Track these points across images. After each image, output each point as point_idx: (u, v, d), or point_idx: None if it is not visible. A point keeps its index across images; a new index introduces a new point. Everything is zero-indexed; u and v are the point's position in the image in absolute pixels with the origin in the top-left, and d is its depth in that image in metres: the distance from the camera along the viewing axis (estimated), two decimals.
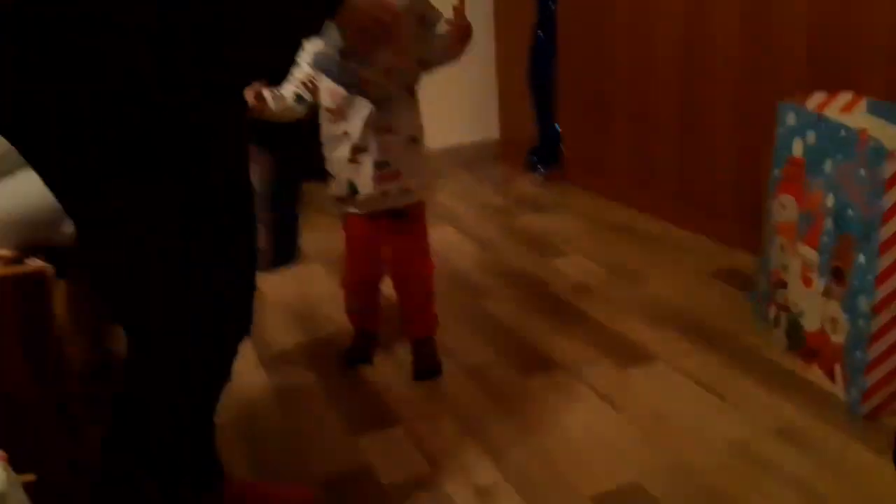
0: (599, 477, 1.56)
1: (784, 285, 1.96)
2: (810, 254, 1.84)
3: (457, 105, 3.80)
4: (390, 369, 2.02)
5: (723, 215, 2.61)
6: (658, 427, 1.71)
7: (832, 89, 1.89)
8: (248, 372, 2.02)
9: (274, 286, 2.48)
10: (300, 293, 2.50)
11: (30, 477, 1.36)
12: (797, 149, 1.89)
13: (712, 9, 2.52)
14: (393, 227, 1.87)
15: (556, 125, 3.41)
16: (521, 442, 1.69)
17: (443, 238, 2.92)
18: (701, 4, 2.57)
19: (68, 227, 1.64)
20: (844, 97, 1.86)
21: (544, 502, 1.50)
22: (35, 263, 1.36)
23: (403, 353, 2.06)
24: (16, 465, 0.98)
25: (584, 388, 1.88)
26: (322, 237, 2.72)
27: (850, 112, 1.82)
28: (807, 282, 1.86)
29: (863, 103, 1.83)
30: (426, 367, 1.97)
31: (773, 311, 2.02)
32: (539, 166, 3.48)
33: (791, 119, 1.91)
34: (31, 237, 1.63)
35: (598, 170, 3.21)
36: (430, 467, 1.63)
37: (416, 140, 1.80)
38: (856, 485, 1.49)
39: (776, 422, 1.69)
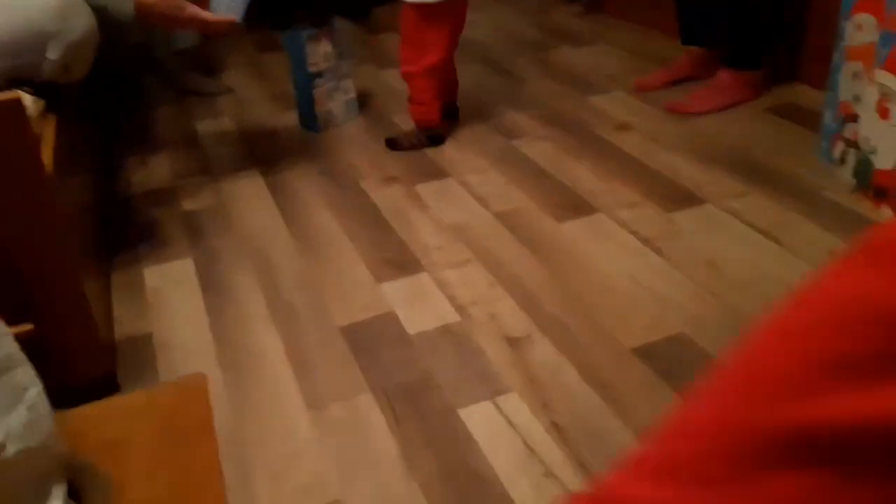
0: (642, 328, 1.43)
1: (855, 118, 1.75)
2: (890, 81, 1.61)
3: None
4: (417, 214, 1.88)
5: (780, 44, 2.35)
6: (707, 274, 1.56)
7: None
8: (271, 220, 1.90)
9: None
10: None
11: (26, 327, 1.28)
12: None
13: None
14: None
15: None
16: (557, 291, 1.56)
17: (471, 74, 2.70)
18: None
19: (54, 54, 1.48)
20: None
21: (582, 355, 1.39)
22: (11, 93, 1.20)
23: (431, 201, 1.92)
24: (9, 314, 0.88)
25: (626, 233, 1.72)
26: None
27: None
28: (883, 113, 1.64)
29: None
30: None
31: (839, 148, 1.82)
32: None
33: None
34: (14, 65, 1.47)
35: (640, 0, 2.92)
36: (460, 317, 1.51)
37: None
38: None
39: None
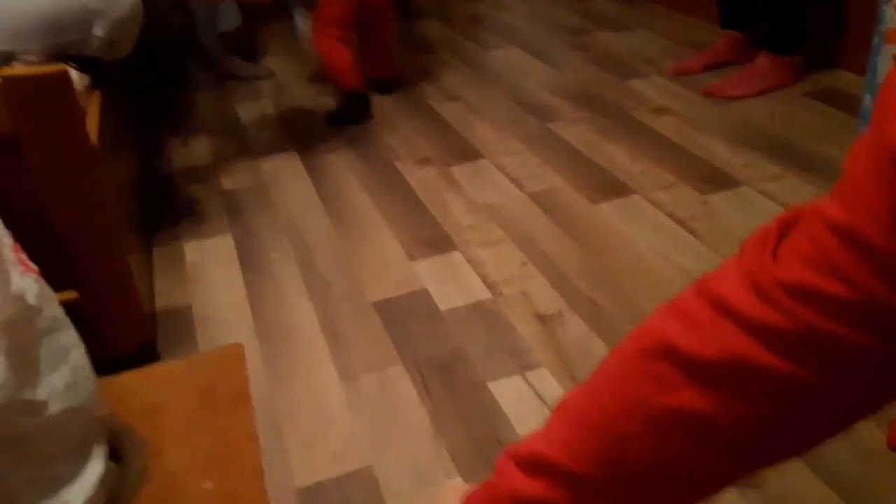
0: None
1: None
2: None
3: None
4: (451, 194, 1.90)
5: (820, 30, 2.32)
6: None
7: None
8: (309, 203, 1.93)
9: None
10: None
11: (71, 294, 1.32)
12: None
13: None
14: None
15: None
16: (589, 268, 1.57)
17: (509, 59, 2.71)
18: None
19: (99, 30, 1.52)
20: None
21: (613, 331, 1.39)
22: (58, 66, 1.25)
23: (465, 182, 1.94)
24: (54, 282, 0.91)
25: (660, 214, 1.72)
26: None
27: None
28: None
29: None
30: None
31: None
32: None
33: None
34: (60, 42, 1.51)
35: None
36: (491, 294, 1.53)
37: None
38: None
39: None
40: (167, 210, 1.96)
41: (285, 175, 2.08)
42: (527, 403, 1.26)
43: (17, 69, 1.33)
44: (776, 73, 2.20)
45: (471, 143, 2.14)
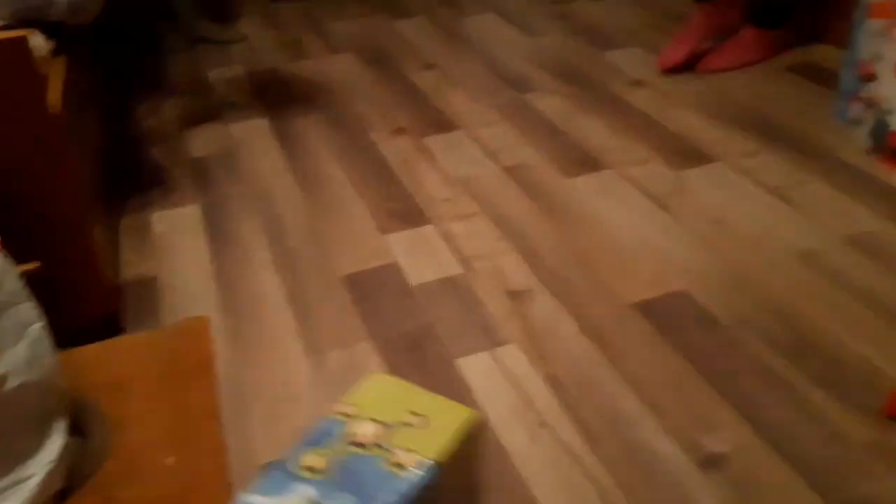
0: (644, 283, 1.43)
1: (874, 78, 1.71)
2: None
3: None
4: (425, 166, 1.87)
5: (805, 3, 2.30)
6: (715, 232, 1.55)
7: None
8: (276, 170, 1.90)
9: None
10: None
11: (32, 265, 1.29)
12: None
13: None
14: None
15: None
16: (561, 245, 1.56)
17: (486, 26, 2.67)
18: None
19: None
20: None
21: (583, 308, 1.39)
22: (17, 32, 1.20)
23: (440, 153, 1.91)
24: (16, 252, 0.89)
25: (634, 188, 1.71)
26: None
27: None
28: None
29: None
30: None
31: (856, 109, 1.79)
32: None
33: None
34: (25, 6, 1.46)
35: None
36: (463, 269, 1.51)
37: None
38: None
39: (849, 229, 1.52)
40: (135, 179, 1.92)
41: (255, 142, 2.04)
42: (495, 380, 1.25)
43: None
44: (759, 47, 2.18)
45: (446, 114, 2.11)
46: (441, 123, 2.06)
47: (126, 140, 2.10)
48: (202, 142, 2.06)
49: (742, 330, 1.31)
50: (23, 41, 1.19)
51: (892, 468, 1.06)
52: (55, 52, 1.49)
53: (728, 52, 2.19)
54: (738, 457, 1.09)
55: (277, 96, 2.30)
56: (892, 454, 1.08)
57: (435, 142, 1.97)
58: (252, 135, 2.08)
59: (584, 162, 1.83)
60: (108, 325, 1.40)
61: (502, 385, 1.24)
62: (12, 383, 0.69)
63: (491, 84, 2.25)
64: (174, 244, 1.67)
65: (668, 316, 1.35)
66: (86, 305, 1.37)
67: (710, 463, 1.09)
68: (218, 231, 1.70)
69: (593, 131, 1.95)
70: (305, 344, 1.36)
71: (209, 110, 2.25)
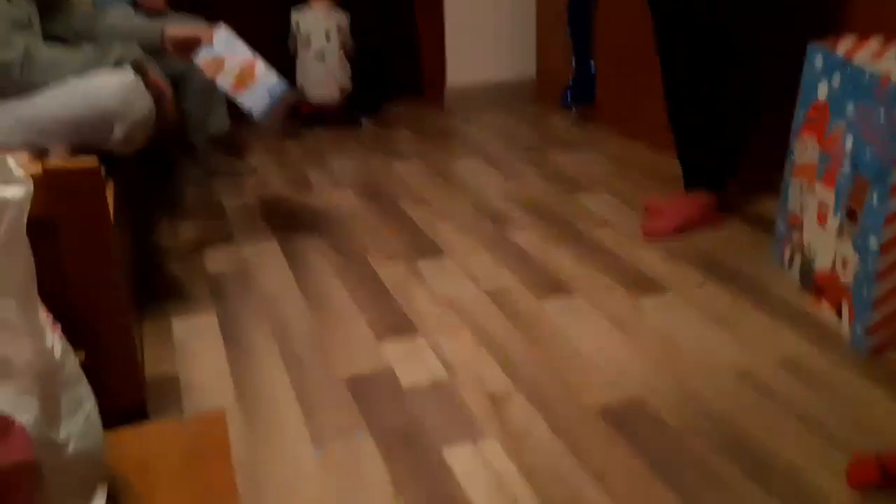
0: (606, 391, 1.66)
1: (800, 226, 2.02)
2: (827, 194, 1.89)
3: (493, 41, 3.83)
4: (416, 287, 2.13)
5: (753, 162, 2.63)
6: (666, 351, 1.80)
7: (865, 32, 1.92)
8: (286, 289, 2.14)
9: None
10: None
11: (80, 355, 1.50)
12: (822, 91, 1.92)
13: None
14: None
15: (593, 63, 3.43)
16: (534, 357, 1.79)
17: (471, 168, 3.01)
18: None
19: (119, 131, 1.76)
20: (876, 42, 1.88)
21: (553, 410, 1.61)
22: (91, 159, 1.47)
23: (429, 276, 2.18)
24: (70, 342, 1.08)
25: (598, 312, 1.97)
26: None
27: (880, 57, 1.85)
28: (822, 221, 1.91)
29: (893, 49, 1.85)
30: None
31: (788, 251, 2.09)
32: (573, 105, 3.52)
33: (818, 62, 1.94)
34: (84, 139, 1.74)
35: (631, 111, 3.24)
36: (448, 374, 1.74)
37: None
38: (855, 415, 1.56)
39: (781, 353, 1.77)
40: (157, 289, 2.15)
41: (265, 261, 2.30)
42: (476, 469, 1.45)
43: (55, 161, 1.55)
44: (701, 209, 2.38)
45: (435, 243, 2.39)
46: (431, 251, 2.34)
47: (149, 256, 2.35)
48: (217, 260, 2.32)
49: (687, 433, 1.53)
50: (97, 168, 1.45)
51: None
52: (106, 176, 1.76)
53: (672, 215, 2.38)
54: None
55: (285, 223, 2.58)
56: None
57: (425, 266, 2.24)
58: (262, 255, 2.34)
59: (554, 287, 2.09)
60: (136, 415, 1.59)
61: (482, 473, 1.44)
62: (70, 448, 0.85)
63: (474, 218, 2.55)
64: (193, 348, 1.88)
65: (624, 418, 1.57)
66: (120, 394, 1.56)
67: None
68: (232, 337, 1.92)
69: (563, 262, 2.23)
70: (311, 435, 1.56)
71: (223, 232, 2.51)
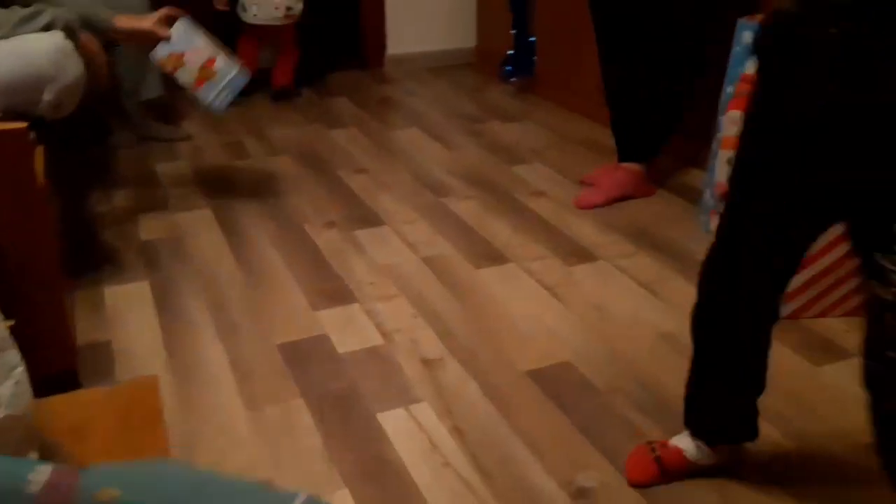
0: (536, 356, 1.71)
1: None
2: None
3: (434, 11, 3.82)
4: (353, 255, 2.14)
5: (684, 134, 2.71)
6: (595, 317, 1.86)
7: None
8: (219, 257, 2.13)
9: None
10: None
11: (9, 322, 1.47)
12: (750, 66, 1.98)
13: None
14: None
15: (532, 36, 3.46)
16: (468, 323, 1.83)
17: (411, 138, 3.01)
18: None
19: (49, 94, 1.72)
20: None
21: (484, 374, 1.65)
22: (19, 123, 1.44)
23: (367, 244, 2.19)
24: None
25: (531, 280, 2.01)
26: None
27: None
28: None
29: None
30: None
31: (714, 221, 2.16)
32: (511, 76, 3.54)
33: (747, 38, 2.00)
34: (14, 103, 1.69)
35: (568, 84, 3.29)
36: (384, 340, 1.77)
37: None
38: (774, 379, 1.64)
39: None
40: (89, 256, 2.12)
41: (200, 229, 2.28)
42: (408, 431, 1.49)
43: None
44: (633, 181, 2.46)
45: (374, 211, 2.40)
46: (369, 219, 2.35)
47: (82, 223, 2.31)
48: (151, 228, 2.29)
49: (613, 394, 1.59)
50: (25, 131, 1.43)
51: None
52: (37, 141, 1.72)
53: (605, 186, 2.45)
54: (603, 491, 1.35)
55: (220, 190, 2.56)
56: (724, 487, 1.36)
57: (363, 234, 2.25)
58: (197, 223, 2.32)
59: (490, 256, 2.13)
60: (68, 383, 1.58)
61: (414, 434, 1.48)
62: (1, 413, 0.84)
63: (413, 188, 2.57)
64: (126, 315, 1.87)
65: (554, 382, 1.62)
66: (52, 361, 1.54)
67: (581, 495, 1.34)
68: (165, 305, 1.91)
69: (499, 231, 2.27)
70: (244, 400, 1.57)
71: (156, 199, 2.48)
